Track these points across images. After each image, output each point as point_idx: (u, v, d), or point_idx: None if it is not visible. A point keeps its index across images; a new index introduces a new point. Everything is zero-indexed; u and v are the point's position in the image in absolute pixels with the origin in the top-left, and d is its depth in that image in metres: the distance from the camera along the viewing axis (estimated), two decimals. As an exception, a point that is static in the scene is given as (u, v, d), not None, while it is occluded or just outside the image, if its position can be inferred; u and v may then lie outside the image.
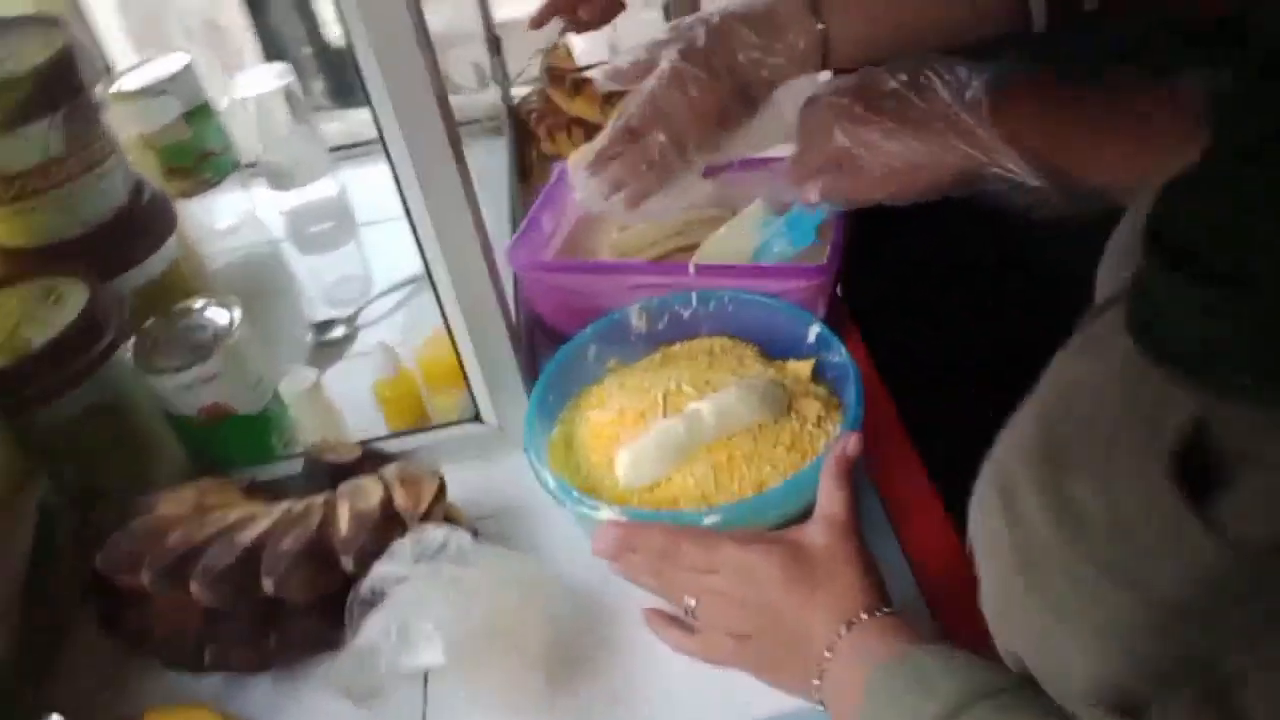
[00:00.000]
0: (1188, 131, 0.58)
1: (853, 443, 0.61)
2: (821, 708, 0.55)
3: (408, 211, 0.64)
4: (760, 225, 0.79)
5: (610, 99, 1.02)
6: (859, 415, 0.65)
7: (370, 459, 0.74)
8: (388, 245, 1.04)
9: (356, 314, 0.95)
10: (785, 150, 0.73)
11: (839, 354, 0.70)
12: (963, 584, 0.64)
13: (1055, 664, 0.39)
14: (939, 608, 0.62)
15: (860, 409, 0.65)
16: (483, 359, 0.72)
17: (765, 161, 0.87)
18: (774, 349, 0.74)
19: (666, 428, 0.65)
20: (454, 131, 0.62)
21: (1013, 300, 0.87)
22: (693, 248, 0.84)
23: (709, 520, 0.60)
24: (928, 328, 0.93)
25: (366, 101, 0.59)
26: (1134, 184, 0.59)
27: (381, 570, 0.62)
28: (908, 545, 0.67)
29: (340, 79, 1.22)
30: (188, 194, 1.03)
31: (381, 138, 0.60)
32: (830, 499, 0.59)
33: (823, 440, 0.66)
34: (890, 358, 0.83)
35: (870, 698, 0.49)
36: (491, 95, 1.20)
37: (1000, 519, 0.38)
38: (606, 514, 0.61)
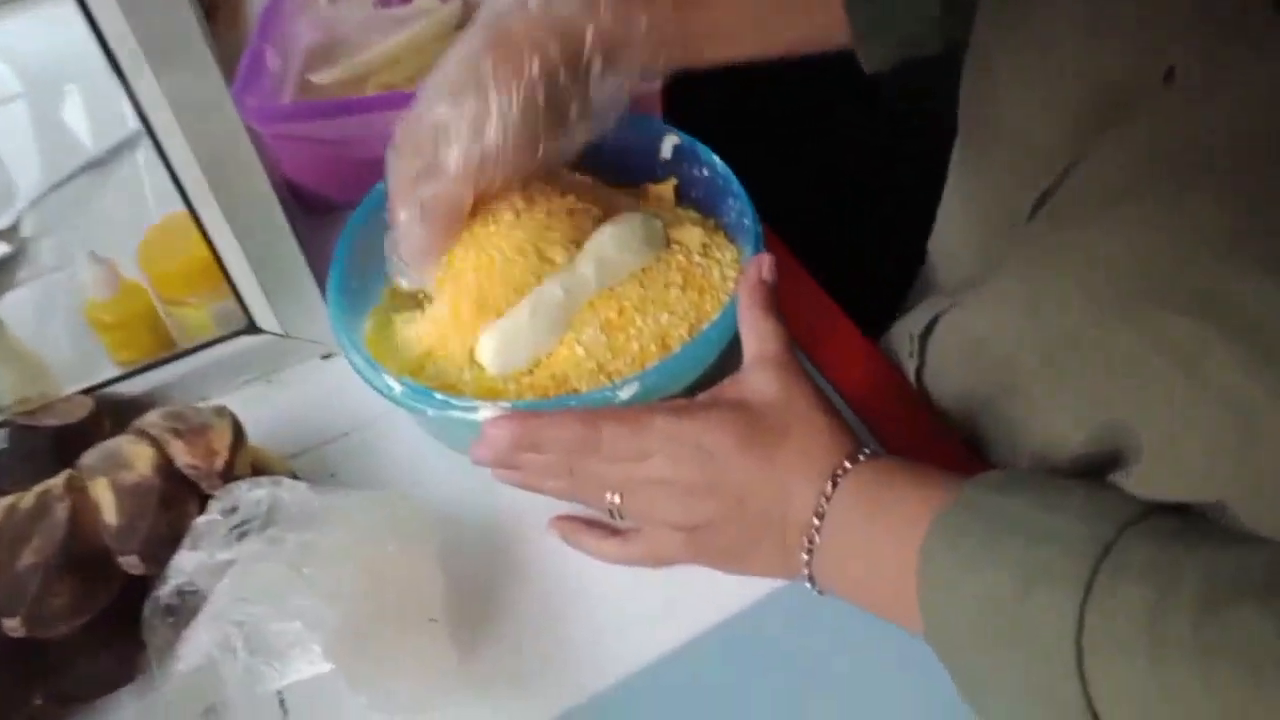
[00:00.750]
0: None
1: (767, 265, 0.49)
2: (809, 586, 0.45)
3: (109, 53, 0.43)
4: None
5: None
6: (759, 232, 0.53)
7: (109, 413, 0.53)
8: (42, 122, 0.76)
9: (17, 222, 0.68)
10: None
11: (707, 166, 0.57)
12: (912, 419, 0.57)
13: None
14: (892, 447, 0.54)
15: (758, 226, 0.53)
16: (250, 246, 0.52)
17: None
18: (621, 174, 0.60)
19: (540, 293, 0.50)
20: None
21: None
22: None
23: (626, 393, 0.47)
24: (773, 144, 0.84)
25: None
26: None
27: (186, 562, 0.43)
28: (835, 378, 0.57)
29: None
30: None
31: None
32: (761, 337, 0.47)
33: (716, 270, 0.54)
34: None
35: (938, 565, 0.39)
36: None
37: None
38: (489, 412, 0.46)
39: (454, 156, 0.49)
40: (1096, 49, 0.42)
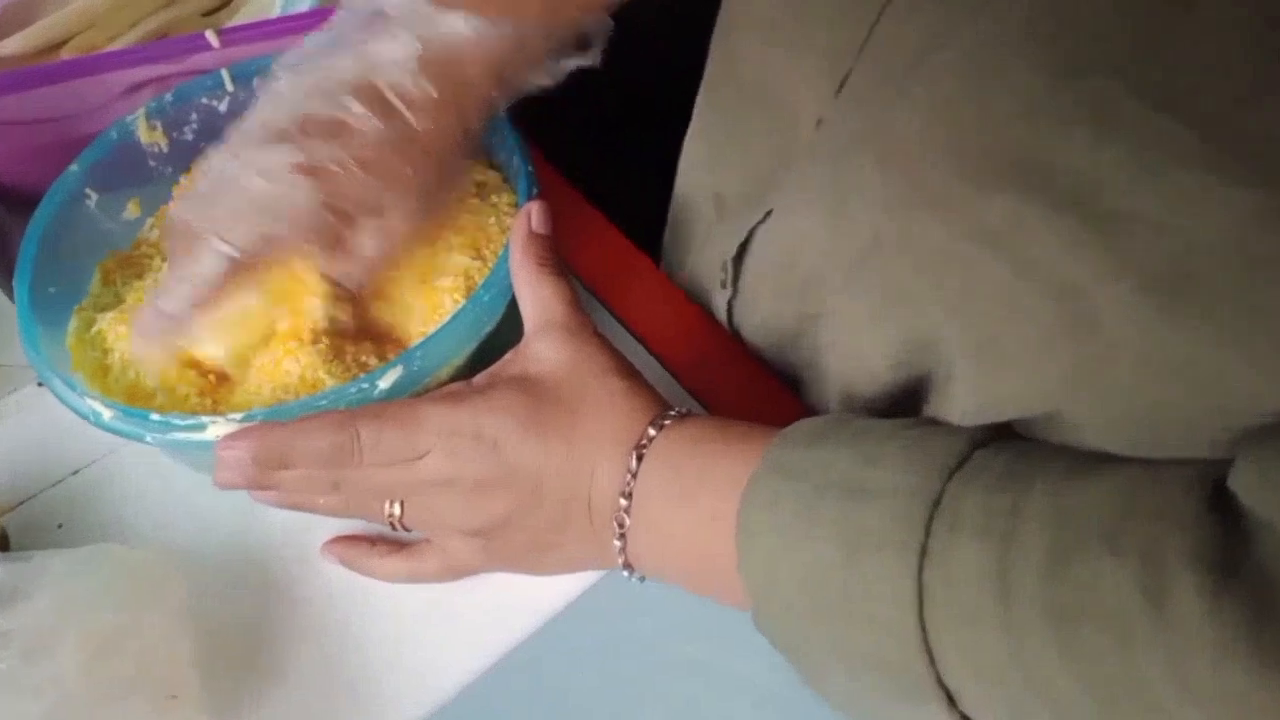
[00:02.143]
0: None
1: (536, 214, 0.42)
2: (627, 574, 0.39)
3: None
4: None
5: None
6: (530, 174, 0.46)
7: None
8: None
9: None
10: None
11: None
12: (723, 360, 0.50)
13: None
14: (703, 394, 0.48)
15: (529, 165, 0.46)
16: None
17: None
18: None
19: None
20: None
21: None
22: (197, 18, 0.57)
23: (386, 383, 0.39)
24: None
25: None
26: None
27: None
28: (635, 323, 0.50)
29: None
30: None
31: None
32: (540, 300, 0.40)
33: (493, 218, 0.46)
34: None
35: (754, 538, 0.33)
36: None
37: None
38: (220, 429, 0.38)
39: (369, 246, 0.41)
40: None
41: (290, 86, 0.40)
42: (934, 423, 0.35)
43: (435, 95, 0.39)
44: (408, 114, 0.39)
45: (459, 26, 0.39)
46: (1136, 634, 0.25)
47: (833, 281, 0.40)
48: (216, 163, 0.40)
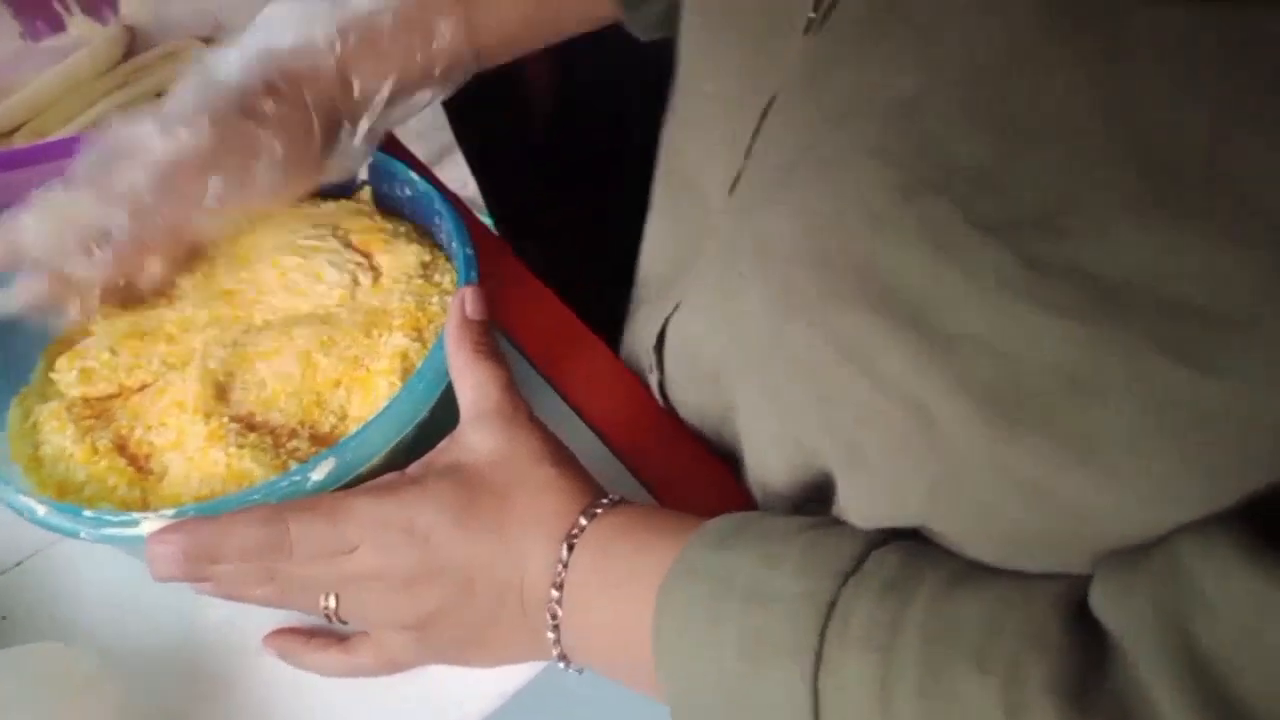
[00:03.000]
0: None
1: (470, 300, 0.42)
2: (563, 665, 0.39)
3: None
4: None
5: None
6: (468, 255, 0.46)
7: None
8: None
9: None
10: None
11: (408, 184, 0.50)
12: (664, 440, 0.50)
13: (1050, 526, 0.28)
14: (645, 473, 0.48)
15: (469, 249, 0.46)
16: None
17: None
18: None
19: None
20: None
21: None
22: (151, 98, 0.58)
23: (319, 474, 0.39)
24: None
25: None
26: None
27: None
28: (576, 399, 0.51)
29: None
30: None
31: None
32: (475, 386, 0.41)
33: (436, 298, 0.47)
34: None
35: (668, 644, 0.33)
36: None
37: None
38: (152, 525, 0.38)
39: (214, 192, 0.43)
40: None
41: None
42: (836, 523, 0.35)
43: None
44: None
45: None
46: None
47: (731, 375, 0.40)
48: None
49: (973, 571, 0.30)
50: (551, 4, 0.51)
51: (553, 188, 0.80)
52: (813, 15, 0.30)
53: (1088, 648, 0.26)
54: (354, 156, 0.48)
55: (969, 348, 0.26)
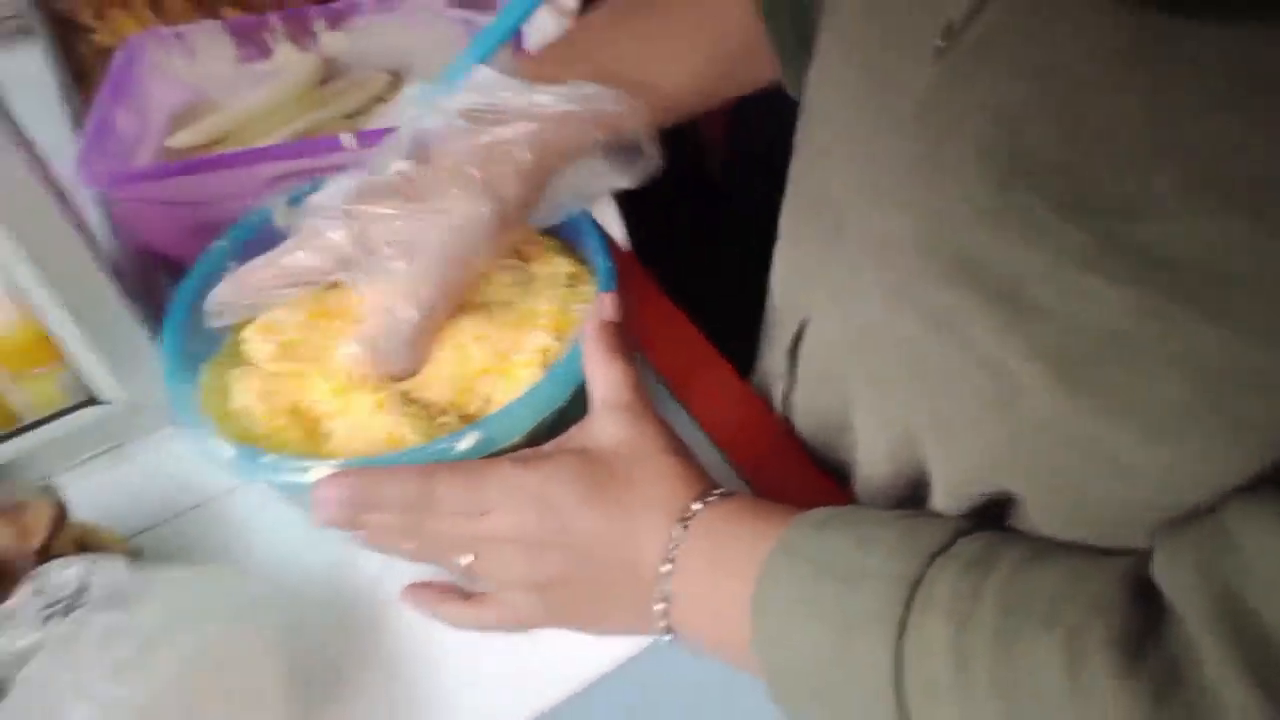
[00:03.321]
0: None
1: (607, 305, 0.47)
2: (669, 637, 0.42)
3: None
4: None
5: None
6: (610, 267, 0.51)
7: (-64, 496, 0.50)
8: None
9: None
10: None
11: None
12: (774, 448, 0.54)
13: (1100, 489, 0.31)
14: (758, 484, 0.51)
15: (609, 262, 0.51)
16: (84, 319, 0.50)
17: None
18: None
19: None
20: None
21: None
22: (339, 120, 0.65)
23: (464, 445, 0.44)
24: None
25: None
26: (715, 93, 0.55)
27: (-11, 650, 0.40)
28: (703, 417, 0.55)
29: None
30: None
31: None
32: (607, 381, 0.45)
33: (579, 307, 0.52)
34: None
35: (766, 618, 0.37)
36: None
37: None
38: (319, 472, 0.44)
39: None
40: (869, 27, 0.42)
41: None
42: (929, 514, 0.38)
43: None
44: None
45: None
46: (1057, 705, 0.28)
47: (850, 374, 0.44)
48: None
49: (1049, 550, 0.33)
50: (722, 70, 0.54)
51: (691, 225, 0.86)
52: (940, 44, 0.35)
53: (1148, 613, 0.28)
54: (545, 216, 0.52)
55: (1046, 317, 0.29)
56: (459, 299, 0.49)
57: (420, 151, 0.48)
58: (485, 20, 0.71)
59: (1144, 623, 0.28)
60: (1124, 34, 0.28)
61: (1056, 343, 0.29)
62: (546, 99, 0.48)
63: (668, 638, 0.42)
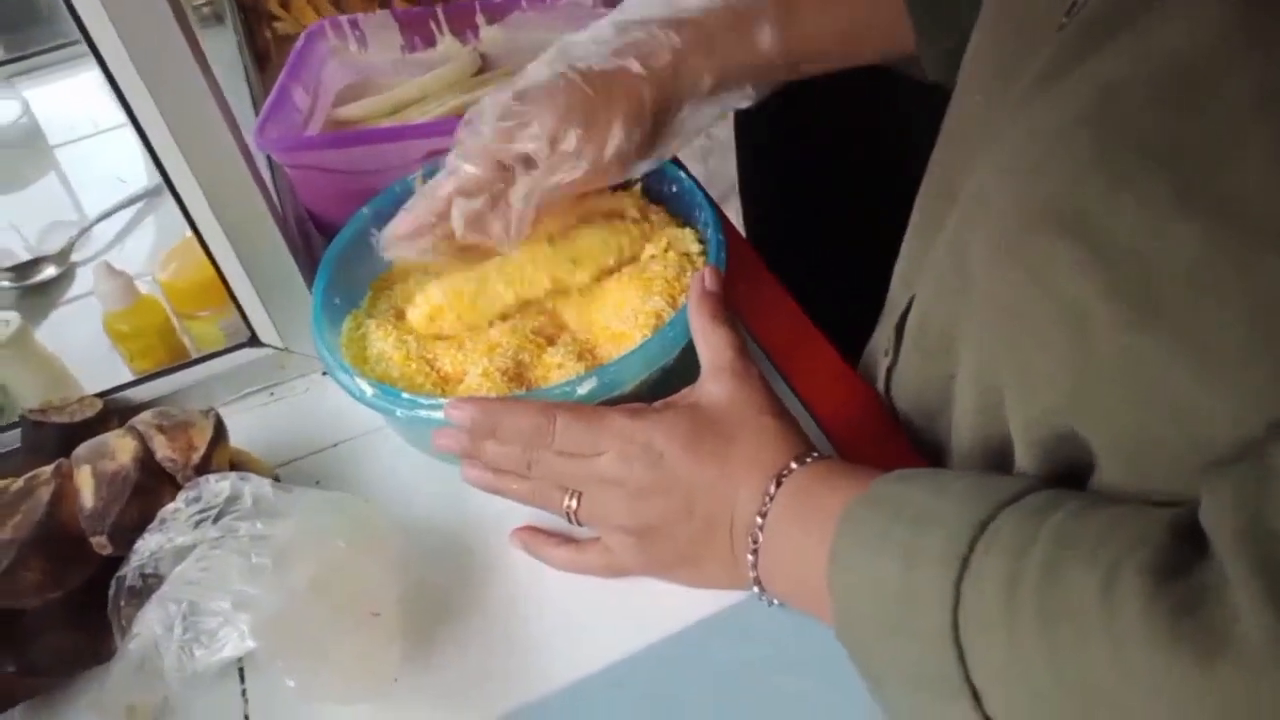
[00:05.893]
0: None
1: (709, 276, 0.49)
2: (758, 592, 0.44)
3: (133, 119, 0.49)
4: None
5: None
6: (720, 242, 0.54)
7: (118, 415, 0.57)
8: (97, 163, 0.83)
9: (70, 247, 0.74)
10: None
11: (675, 182, 0.59)
12: (872, 425, 0.56)
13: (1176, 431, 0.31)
14: (853, 456, 0.52)
15: (720, 235, 0.54)
16: (252, 268, 0.55)
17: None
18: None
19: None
20: (180, 9, 0.47)
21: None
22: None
23: (584, 389, 0.47)
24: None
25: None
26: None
27: (151, 544, 0.45)
28: (804, 392, 0.56)
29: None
30: None
31: (86, 36, 0.46)
32: (712, 345, 0.47)
33: (689, 273, 0.55)
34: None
35: (841, 557, 0.38)
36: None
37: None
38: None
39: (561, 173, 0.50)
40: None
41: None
42: (1004, 473, 0.39)
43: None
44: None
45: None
46: (1089, 625, 0.29)
47: (952, 342, 0.45)
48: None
49: (1106, 501, 0.33)
50: (861, 25, 0.56)
51: (810, 221, 0.87)
52: (1064, 20, 0.36)
53: (1187, 551, 0.29)
54: (679, 139, 0.54)
55: (1126, 256, 0.30)
56: (603, 180, 0.53)
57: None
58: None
59: (1181, 557, 0.29)
60: (1230, 12, 0.28)
61: (1137, 281, 0.30)
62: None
63: (755, 590, 0.44)
